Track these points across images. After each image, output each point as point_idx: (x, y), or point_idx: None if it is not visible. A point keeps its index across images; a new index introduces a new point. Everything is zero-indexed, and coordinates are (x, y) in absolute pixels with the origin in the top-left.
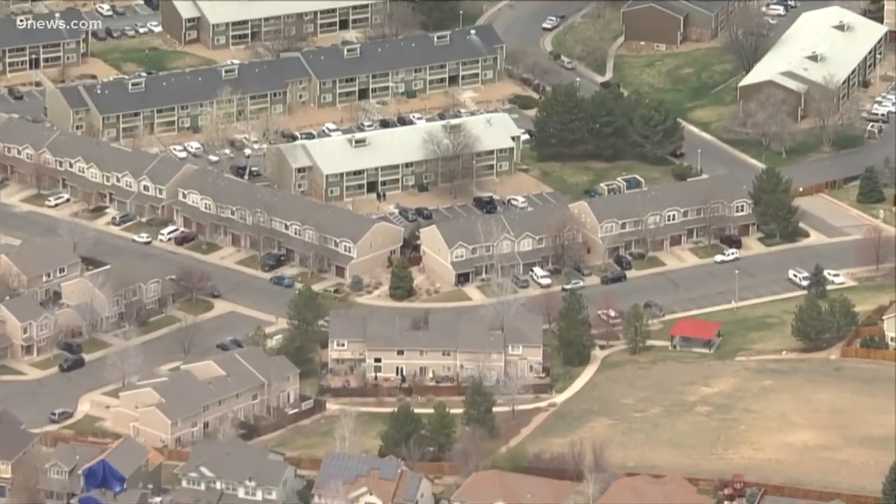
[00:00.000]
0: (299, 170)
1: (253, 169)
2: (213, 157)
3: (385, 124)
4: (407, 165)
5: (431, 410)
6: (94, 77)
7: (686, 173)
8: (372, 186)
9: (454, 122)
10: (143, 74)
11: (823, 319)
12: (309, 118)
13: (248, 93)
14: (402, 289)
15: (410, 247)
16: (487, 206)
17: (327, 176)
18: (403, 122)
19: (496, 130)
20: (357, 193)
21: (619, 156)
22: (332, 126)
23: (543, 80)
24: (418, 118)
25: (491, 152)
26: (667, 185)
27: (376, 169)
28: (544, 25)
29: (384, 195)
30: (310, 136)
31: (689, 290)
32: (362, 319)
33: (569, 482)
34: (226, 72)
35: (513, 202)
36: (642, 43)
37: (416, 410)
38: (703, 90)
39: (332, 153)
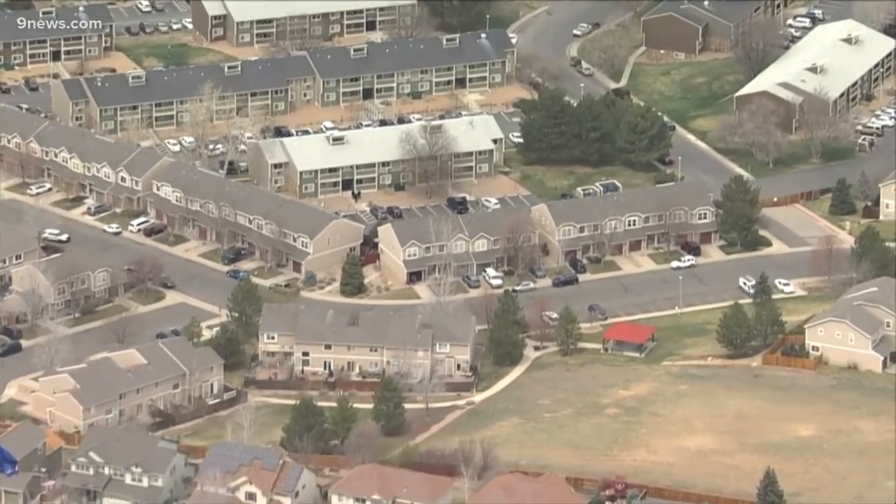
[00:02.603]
0: (275, 166)
1: (241, 164)
2: (203, 152)
3: (384, 124)
4: (384, 164)
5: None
6: (113, 71)
7: (667, 181)
8: (347, 184)
9: (434, 122)
10: (161, 69)
11: (750, 327)
12: (310, 116)
13: (249, 90)
14: (352, 285)
15: (370, 244)
16: (459, 206)
17: (301, 172)
18: (403, 122)
19: (477, 132)
20: (332, 191)
21: (606, 161)
22: (329, 125)
23: (554, 84)
24: (417, 119)
25: (470, 154)
26: (630, 190)
27: (352, 167)
28: (575, 32)
29: (359, 193)
30: (306, 134)
31: (639, 294)
32: (294, 313)
33: (447, 478)
34: (228, 68)
35: (484, 203)
36: (662, 51)
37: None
38: (710, 100)
39: (309, 150)
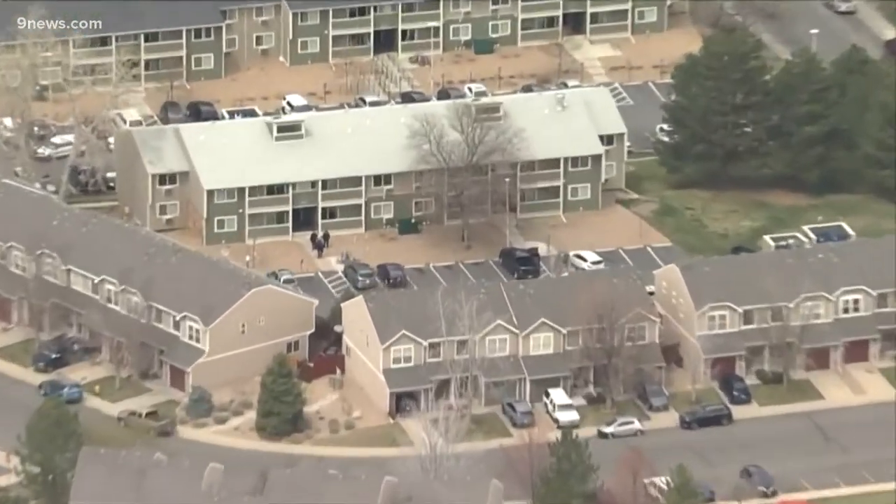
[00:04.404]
0: (162, 179)
1: (108, 175)
2: (27, 148)
3: (409, 99)
4: (379, 181)
5: None
6: None
7: None
8: (305, 218)
9: (485, 100)
10: None
11: None
12: (265, 84)
13: (139, 29)
14: (280, 417)
15: (331, 338)
16: (523, 267)
17: (211, 193)
18: (447, 97)
19: (571, 122)
20: (273, 231)
21: (836, 183)
22: (300, 100)
23: (762, 30)
24: (478, 91)
25: (555, 163)
26: (853, 243)
27: (313, 184)
28: None
29: (326, 236)
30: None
31: (848, 449)
32: (139, 470)
33: None
34: None
35: (576, 262)
36: None
37: None
38: None
39: (229, 150)
